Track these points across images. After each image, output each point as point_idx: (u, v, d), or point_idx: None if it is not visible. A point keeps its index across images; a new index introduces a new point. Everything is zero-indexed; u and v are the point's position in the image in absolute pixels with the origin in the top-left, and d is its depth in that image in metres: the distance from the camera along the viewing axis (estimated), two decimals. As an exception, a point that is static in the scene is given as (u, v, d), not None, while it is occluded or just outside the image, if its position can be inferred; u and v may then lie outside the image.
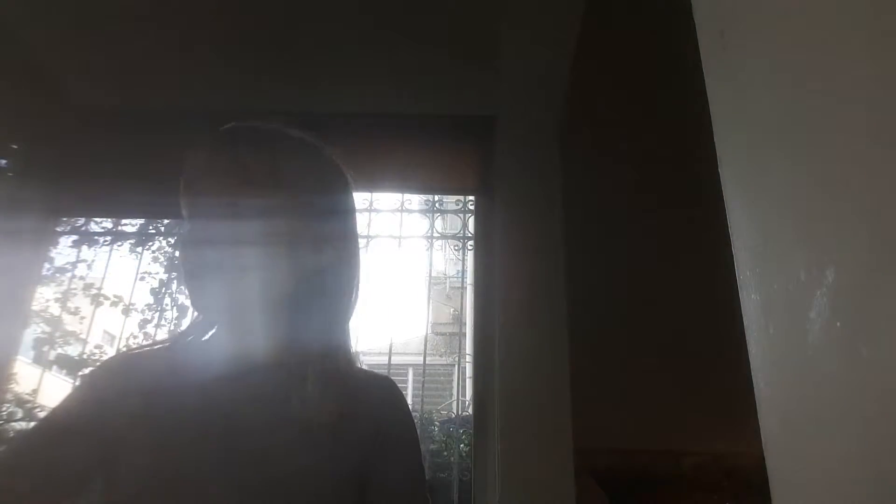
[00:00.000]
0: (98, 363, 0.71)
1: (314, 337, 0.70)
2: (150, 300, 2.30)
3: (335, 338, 0.72)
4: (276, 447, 0.62)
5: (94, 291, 2.26)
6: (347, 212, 0.76)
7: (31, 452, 0.63)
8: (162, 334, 2.22)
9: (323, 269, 0.71)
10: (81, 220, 2.31)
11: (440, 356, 3.17)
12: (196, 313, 0.74)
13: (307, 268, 0.70)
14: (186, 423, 0.63)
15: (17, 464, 0.63)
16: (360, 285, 0.77)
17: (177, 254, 0.69)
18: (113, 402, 0.65)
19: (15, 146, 2.17)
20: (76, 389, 0.72)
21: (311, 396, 0.64)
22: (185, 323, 0.75)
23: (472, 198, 2.25)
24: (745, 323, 0.43)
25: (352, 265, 0.75)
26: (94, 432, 0.63)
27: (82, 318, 2.25)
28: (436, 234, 2.24)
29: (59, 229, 2.27)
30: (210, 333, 0.73)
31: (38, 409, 2.07)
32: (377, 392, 0.72)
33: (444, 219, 2.42)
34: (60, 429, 0.65)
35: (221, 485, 0.60)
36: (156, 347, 0.76)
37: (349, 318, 0.75)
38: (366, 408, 0.69)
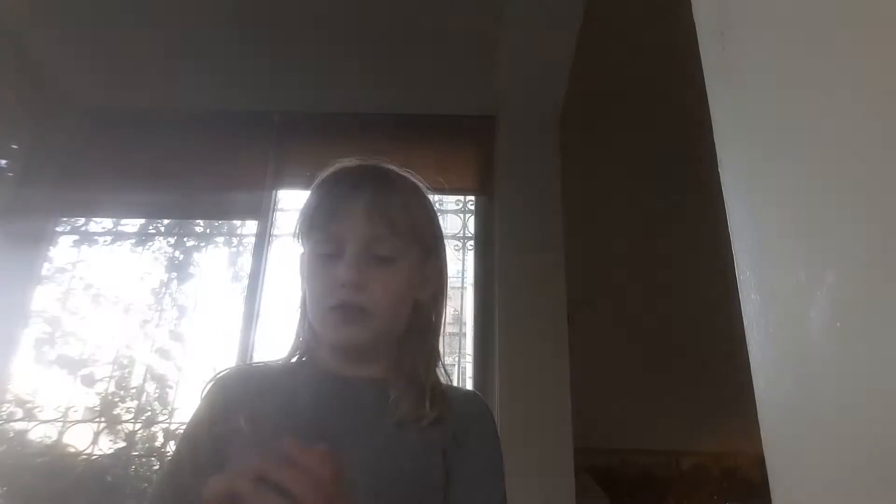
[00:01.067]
0: (214, 377, 0.75)
1: (419, 360, 0.76)
2: (150, 300, 2.30)
3: (435, 358, 0.78)
4: (371, 453, 0.66)
5: (94, 291, 2.26)
6: (443, 251, 0.84)
7: (175, 481, 0.68)
8: (162, 334, 2.22)
9: (428, 303, 0.79)
10: (81, 220, 2.31)
11: (440, 356, 3.16)
12: (301, 335, 0.78)
13: (420, 304, 0.78)
14: (288, 432, 0.65)
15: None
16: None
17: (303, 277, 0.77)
18: (222, 414, 0.68)
19: (15, 146, 2.17)
20: (196, 410, 0.75)
21: (419, 403, 0.70)
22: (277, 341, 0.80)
23: (472, 198, 2.25)
24: (745, 323, 0.43)
25: (445, 295, 0.83)
26: (210, 448, 0.67)
27: (82, 318, 2.25)
28: (436, 234, 2.24)
29: (59, 229, 2.27)
30: (314, 353, 0.77)
31: (37, 409, 2.07)
32: (464, 402, 0.77)
33: (444, 219, 2.42)
34: (188, 453, 0.70)
35: None
36: (266, 364, 0.81)
37: (441, 338, 0.82)
38: (453, 416, 0.73)
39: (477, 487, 0.71)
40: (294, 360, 0.78)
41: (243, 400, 0.69)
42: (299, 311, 0.79)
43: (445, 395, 0.74)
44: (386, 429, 0.69)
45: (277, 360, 0.79)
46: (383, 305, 0.72)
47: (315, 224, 0.76)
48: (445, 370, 0.80)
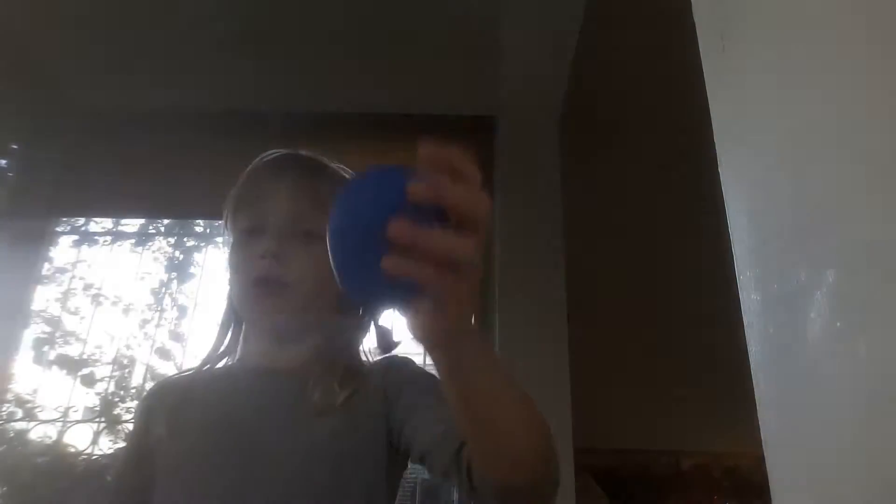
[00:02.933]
0: (144, 394, 0.77)
1: (342, 343, 0.75)
2: (150, 300, 2.30)
3: (350, 336, 0.77)
4: (307, 446, 0.65)
5: (94, 291, 2.26)
6: None
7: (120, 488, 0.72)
8: (162, 334, 2.22)
9: None
10: (81, 220, 2.31)
11: (440, 356, 3.15)
12: (227, 327, 0.78)
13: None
14: (209, 433, 0.66)
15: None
16: None
17: (230, 260, 0.74)
18: (148, 426, 0.70)
19: (15, 146, 2.17)
20: (131, 428, 0.77)
21: (330, 388, 0.68)
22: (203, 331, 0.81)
23: (472, 198, 2.25)
24: (745, 323, 0.43)
25: None
26: (140, 458, 0.69)
27: (82, 318, 2.25)
28: (436, 234, 2.24)
29: (59, 229, 2.27)
30: (241, 348, 0.77)
31: (37, 409, 2.07)
32: (383, 363, 0.75)
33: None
34: (122, 463, 0.72)
35: (241, 487, 0.62)
36: (191, 370, 0.79)
37: (369, 325, 0.79)
38: (378, 380, 0.71)
39: (423, 409, 0.67)
40: (221, 362, 0.76)
41: (164, 412, 0.69)
42: (226, 305, 0.78)
43: (361, 370, 0.72)
44: (317, 420, 0.67)
45: (206, 364, 0.77)
46: (305, 281, 0.70)
47: (240, 206, 0.76)
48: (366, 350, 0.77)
